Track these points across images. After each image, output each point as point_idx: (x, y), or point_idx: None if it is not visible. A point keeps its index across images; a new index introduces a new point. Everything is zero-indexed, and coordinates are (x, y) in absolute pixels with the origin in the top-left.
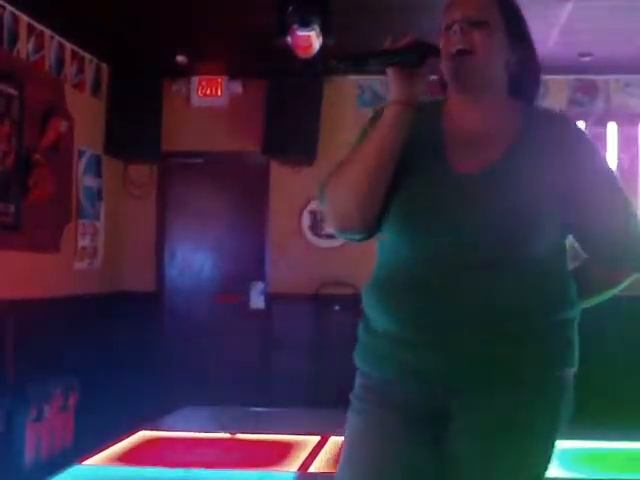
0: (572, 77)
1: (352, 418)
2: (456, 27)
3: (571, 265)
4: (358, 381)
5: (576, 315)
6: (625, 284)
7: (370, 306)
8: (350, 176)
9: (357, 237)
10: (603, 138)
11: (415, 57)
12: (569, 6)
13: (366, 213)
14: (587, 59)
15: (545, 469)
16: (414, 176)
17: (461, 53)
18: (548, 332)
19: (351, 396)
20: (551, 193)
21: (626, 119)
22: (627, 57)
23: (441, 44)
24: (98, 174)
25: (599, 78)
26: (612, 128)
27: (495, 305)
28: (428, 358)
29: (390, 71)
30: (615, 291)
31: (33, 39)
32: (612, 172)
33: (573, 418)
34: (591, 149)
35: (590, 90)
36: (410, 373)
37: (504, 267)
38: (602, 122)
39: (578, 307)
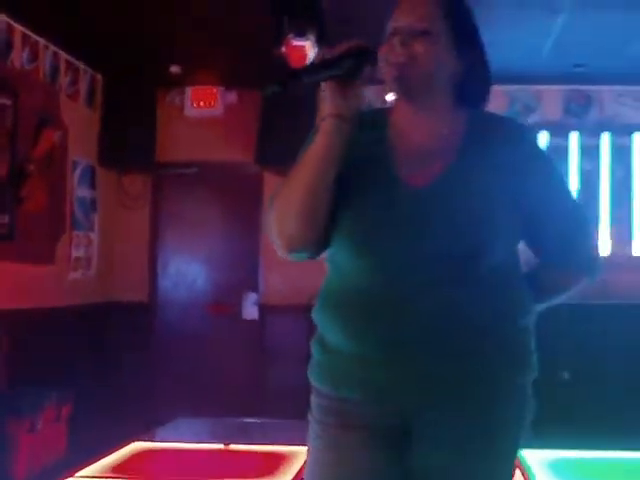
0: (566, 87)
1: (311, 440)
2: (397, 39)
3: (524, 269)
4: (314, 401)
5: (532, 321)
6: (577, 288)
7: (324, 324)
8: (289, 195)
9: (305, 256)
10: (596, 148)
11: (350, 64)
12: (563, 17)
13: (309, 232)
14: (581, 69)
15: (511, 476)
16: (364, 191)
17: (401, 65)
18: (507, 341)
19: (309, 416)
20: (502, 200)
21: (620, 130)
22: (620, 67)
23: (383, 52)
24: (92, 185)
25: (593, 88)
26: (605, 139)
27: (451, 319)
28: (387, 375)
29: (325, 84)
30: (566, 295)
31: (28, 49)
32: (562, 176)
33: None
34: (539, 153)
35: (584, 100)
36: (369, 391)
37: (459, 281)
38: (596, 133)
39: (534, 313)
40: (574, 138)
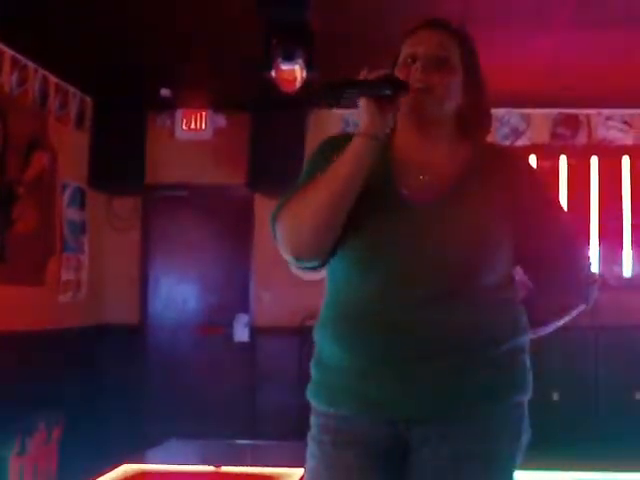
0: (554, 110)
1: (309, 460)
2: (418, 64)
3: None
4: (313, 420)
5: (527, 342)
6: (572, 315)
7: (325, 341)
8: (312, 205)
9: (310, 266)
10: (586, 171)
11: (390, 90)
12: (553, 41)
13: (323, 242)
14: (570, 93)
15: None
16: (367, 208)
17: (420, 91)
18: (502, 360)
19: (308, 437)
20: (500, 224)
21: (608, 153)
22: (609, 91)
23: (400, 74)
24: (82, 207)
25: (581, 112)
26: (594, 162)
27: (449, 336)
28: (387, 391)
29: (364, 102)
30: (562, 322)
31: (17, 72)
32: (560, 203)
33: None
34: (539, 181)
35: (572, 124)
36: (367, 407)
37: (456, 298)
38: (584, 156)
39: (528, 334)
40: (563, 161)
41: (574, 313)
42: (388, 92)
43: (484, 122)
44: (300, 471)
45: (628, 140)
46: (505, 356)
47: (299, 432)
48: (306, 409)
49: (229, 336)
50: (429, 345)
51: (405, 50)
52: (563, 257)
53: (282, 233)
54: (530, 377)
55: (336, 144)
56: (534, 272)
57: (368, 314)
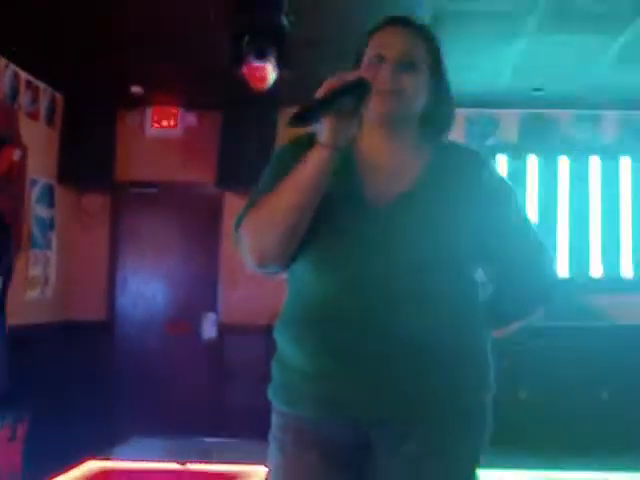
0: (524, 111)
1: (271, 459)
2: (387, 66)
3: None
4: (274, 420)
5: (489, 341)
6: (533, 316)
7: (285, 342)
8: (273, 214)
9: (273, 271)
10: (554, 171)
11: (352, 100)
12: (522, 42)
13: (286, 250)
14: (539, 93)
15: None
16: (329, 210)
17: (389, 93)
18: (464, 360)
19: (269, 437)
20: (462, 225)
21: (576, 153)
22: (578, 92)
23: (365, 73)
24: (51, 203)
25: (551, 112)
26: (563, 162)
27: (409, 337)
28: (348, 392)
29: (325, 118)
30: (523, 322)
31: None
32: (520, 203)
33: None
34: (498, 181)
35: (541, 124)
36: (328, 408)
37: (417, 299)
38: (553, 156)
39: (490, 332)
40: (532, 161)
41: (535, 314)
42: (350, 103)
43: (448, 122)
44: (265, 469)
45: (596, 141)
46: (467, 356)
47: (265, 430)
48: (271, 409)
49: (197, 334)
50: (389, 346)
51: (371, 49)
52: (524, 260)
53: (246, 241)
54: (492, 375)
55: (295, 149)
56: (494, 274)
57: (328, 316)
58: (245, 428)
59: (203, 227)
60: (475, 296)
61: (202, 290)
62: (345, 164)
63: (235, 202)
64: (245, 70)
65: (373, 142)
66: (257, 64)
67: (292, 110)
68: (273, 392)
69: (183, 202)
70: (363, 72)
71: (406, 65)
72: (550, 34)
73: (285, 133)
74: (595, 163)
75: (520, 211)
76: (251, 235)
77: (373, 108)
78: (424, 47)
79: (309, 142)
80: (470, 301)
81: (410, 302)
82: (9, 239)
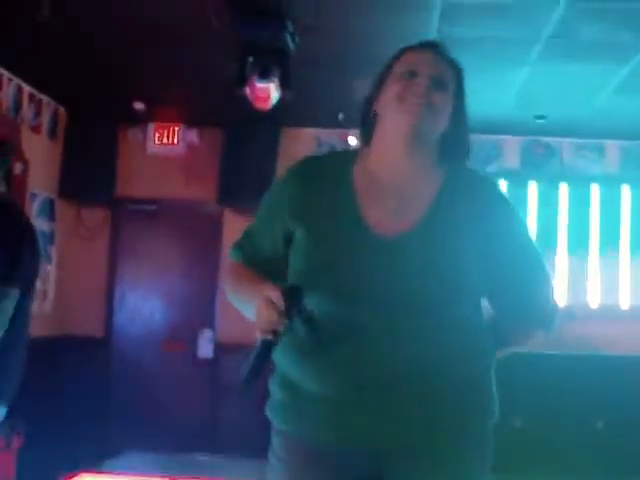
0: (526, 138)
1: (273, 478)
2: (421, 80)
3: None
4: (278, 441)
5: (493, 368)
6: (532, 340)
7: (291, 366)
8: (235, 294)
9: None
10: (555, 199)
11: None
12: (525, 70)
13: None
14: (542, 121)
15: None
16: (331, 240)
17: (422, 107)
18: (473, 386)
19: (270, 455)
20: (469, 256)
21: (578, 181)
22: (581, 120)
23: (396, 88)
24: (51, 217)
25: (553, 140)
26: (564, 189)
27: (417, 367)
28: (356, 421)
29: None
30: (522, 345)
31: None
32: (529, 234)
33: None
34: (509, 211)
35: (544, 151)
36: (339, 434)
37: (424, 329)
38: (554, 183)
39: (494, 360)
40: (532, 188)
41: (534, 339)
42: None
43: (464, 151)
44: None
45: (598, 169)
46: (474, 384)
47: (258, 449)
48: (267, 427)
49: (193, 352)
50: (397, 376)
51: (402, 66)
52: (528, 287)
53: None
54: (496, 402)
55: (292, 185)
56: (496, 301)
57: (336, 346)
58: (238, 447)
59: (203, 245)
60: (480, 324)
61: (200, 308)
62: (346, 189)
63: (235, 220)
64: (248, 90)
65: (389, 160)
66: (260, 84)
67: (294, 130)
68: (278, 414)
69: (183, 219)
70: (392, 84)
71: (439, 83)
72: (554, 62)
73: (286, 151)
74: (595, 191)
75: (527, 238)
76: (226, 289)
77: (402, 120)
78: (452, 73)
79: (309, 171)
80: (476, 330)
81: (417, 333)
82: (26, 242)
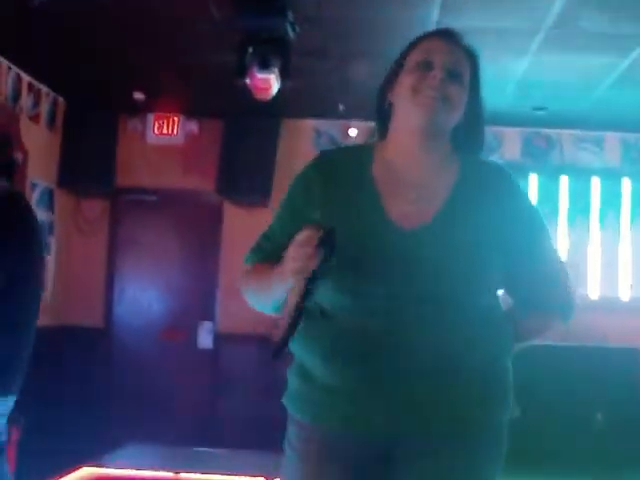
0: (527, 129)
1: (290, 469)
2: (436, 73)
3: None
4: (293, 430)
5: (511, 360)
6: (551, 329)
7: (309, 355)
8: (257, 291)
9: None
10: (555, 191)
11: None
12: (525, 61)
13: (277, 305)
14: (542, 113)
15: None
16: (353, 232)
17: (437, 100)
18: (489, 379)
19: (285, 445)
20: (488, 247)
21: (578, 173)
22: (581, 112)
23: (410, 79)
24: (50, 208)
25: (553, 132)
26: (564, 181)
27: (436, 355)
28: (372, 408)
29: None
30: (540, 336)
31: None
32: (544, 225)
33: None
34: (525, 201)
35: (544, 143)
36: (353, 423)
37: (445, 319)
38: (554, 175)
39: (512, 352)
40: (533, 180)
41: (552, 330)
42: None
43: (479, 142)
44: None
45: (598, 161)
46: (492, 375)
47: (259, 441)
48: (267, 418)
49: (193, 342)
50: (415, 364)
51: (417, 55)
52: (545, 279)
53: (246, 297)
54: (511, 396)
55: (311, 180)
56: (515, 291)
57: (355, 333)
58: (239, 438)
59: (202, 235)
60: (500, 315)
61: (200, 298)
62: (366, 183)
63: (235, 211)
64: (249, 80)
65: (405, 152)
66: (261, 75)
67: (294, 121)
68: (295, 404)
69: (183, 210)
70: (406, 76)
71: (454, 75)
72: (555, 53)
73: (286, 142)
74: (596, 183)
75: (543, 228)
76: (245, 294)
77: (417, 113)
78: (467, 62)
79: (329, 165)
80: (495, 321)
81: (436, 323)
82: (17, 231)
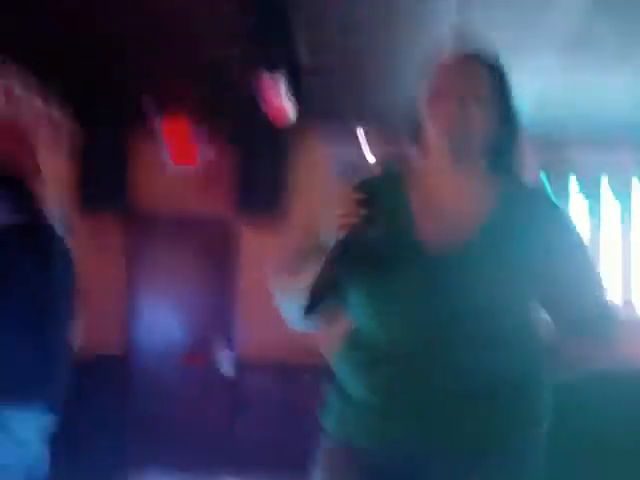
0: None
1: None
2: (456, 101)
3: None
4: (327, 447)
5: (545, 379)
6: (597, 350)
7: (345, 373)
8: (289, 294)
9: (312, 328)
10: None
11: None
12: (540, 75)
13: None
14: (555, 126)
15: None
16: (386, 256)
17: (457, 126)
18: (521, 398)
19: (318, 462)
20: (523, 273)
21: (587, 175)
22: (591, 115)
23: (429, 106)
24: (69, 234)
25: (562, 134)
26: (573, 182)
27: (469, 379)
28: (405, 428)
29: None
30: (588, 360)
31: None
32: (584, 246)
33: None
34: (564, 224)
35: (551, 144)
36: (386, 442)
37: (477, 343)
38: (563, 176)
39: (546, 372)
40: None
41: (599, 353)
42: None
43: (513, 159)
44: None
45: (607, 164)
46: (523, 395)
47: (281, 468)
48: (286, 445)
49: (213, 368)
50: (445, 387)
51: (436, 82)
52: (586, 303)
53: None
54: (546, 412)
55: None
56: (558, 317)
57: (390, 356)
58: (261, 466)
59: (220, 259)
60: (534, 337)
61: (218, 324)
62: (401, 207)
63: (251, 235)
64: (265, 108)
65: (434, 181)
66: (269, 77)
67: (309, 143)
68: (331, 420)
69: (200, 233)
70: (428, 103)
71: (475, 98)
72: (568, 72)
73: (302, 164)
74: (606, 185)
75: (582, 249)
76: (279, 303)
77: (439, 143)
78: (490, 78)
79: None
80: (526, 341)
81: (469, 347)
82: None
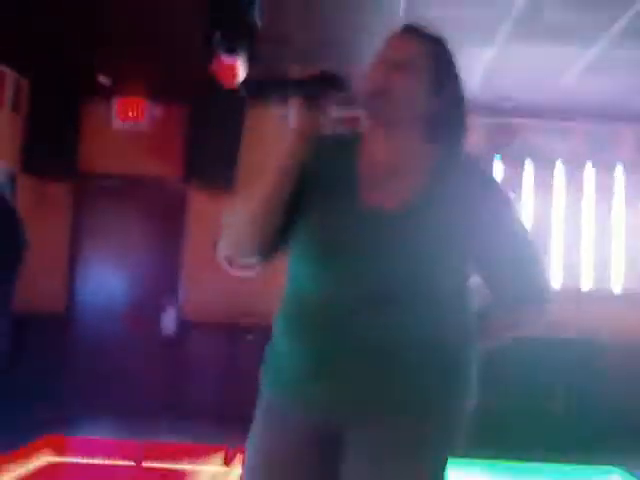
0: (491, 119)
1: (252, 439)
2: (379, 66)
3: (479, 305)
4: (261, 401)
5: (474, 350)
6: (530, 319)
7: (278, 332)
8: (247, 209)
9: (251, 261)
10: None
11: (317, 90)
12: (492, 51)
13: (261, 244)
14: (508, 102)
15: None
16: (327, 211)
17: (376, 93)
18: (444, 364)
19: (255, 417)
20: (459, 236)
21: (542, 163)
22: (547, 102)
23: (368, 77)
24: (12, 191)
25: (518, 121)
26: (529, 168)
27: (394, 339)
28: (326, 387)
29: (292, 101)
30: (521, 328)
31: None
32: (519, 217)
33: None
34: (498, 193)
35: (508, 133)
36: (308, 400)
37: (406, 303)
38: (518, 162)
39: (476, 343)
40: (497, 167)
41: (532, 320)
42: (315, 92)
43: (454, 128)
44: (215, 469)
45: (562, 149)
46: (445, 361)
47: (220, 429)
48: (229, 406)
49: (156, 329)
50: (374, 347)
51: (378, 51)
52: (519, 267)
53: (225, 237)
54: (472, 384)
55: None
56: (492, 282)
57: (315, 314)
58: (201, 426)
59: (167, 221)
60: (465, 304)
61: (163, 284)
62: (348, 167)
63: (200, 197)
64: (215, 66)
65: (373, 144)
66: (227, 60)
67: (261, 107)
68: (264, 375)
69: (148, 195)
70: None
71: (398, 65)
72: (519, 45)
73: (252, 128)
74: (560, 171)
75: (516, 220)
76: (233, 231)
77: (366, 108)
78: (427, 49)
79: (320, 149)
80: (459, 308)
81: (398, 307)
82: None
